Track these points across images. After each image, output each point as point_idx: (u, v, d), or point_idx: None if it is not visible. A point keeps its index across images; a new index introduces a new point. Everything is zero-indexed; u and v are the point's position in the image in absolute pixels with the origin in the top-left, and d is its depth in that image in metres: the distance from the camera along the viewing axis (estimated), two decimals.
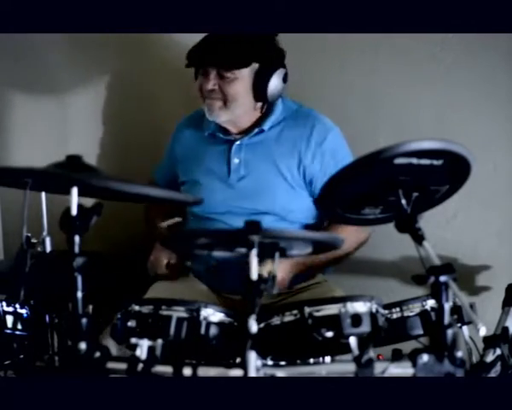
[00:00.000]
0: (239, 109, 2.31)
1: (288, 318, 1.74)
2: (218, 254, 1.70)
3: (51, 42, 2.83)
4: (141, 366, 1.60)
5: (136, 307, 1.75)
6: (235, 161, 2.36)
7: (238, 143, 2.36)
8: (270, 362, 1.75)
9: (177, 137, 2.52)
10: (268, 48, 2.30)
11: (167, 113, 2.81)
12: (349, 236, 2.16)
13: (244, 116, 2.35)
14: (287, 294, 2.32)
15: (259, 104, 2.35)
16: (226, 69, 2.25)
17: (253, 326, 1.51)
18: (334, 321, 1.70)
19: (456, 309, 1.85)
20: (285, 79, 2.32)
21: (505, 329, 2.14)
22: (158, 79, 2.83)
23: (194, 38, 2.57)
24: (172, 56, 2.78)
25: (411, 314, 1.88)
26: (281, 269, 2.16)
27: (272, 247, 1.61)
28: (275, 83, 2.29)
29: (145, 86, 2.85)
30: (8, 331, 1.96)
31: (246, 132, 2.36)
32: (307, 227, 2.38)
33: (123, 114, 2.89)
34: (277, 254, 1.61)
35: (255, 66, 2.28)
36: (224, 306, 2.26)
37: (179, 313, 1.73)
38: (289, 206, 2.33)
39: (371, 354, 1.59)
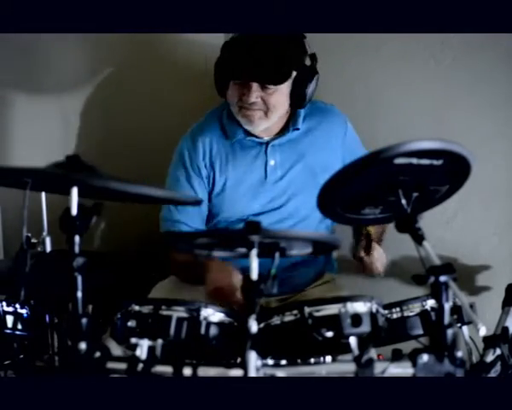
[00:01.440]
0: (276, 117, 2.30)
1: (288, 318, 1.74)
2: (218, 253, 1.71)
3: (52, 42, 2.83)
4: (141, 366, 1.60)
5: (136, 307, 1.75)
6: (271, 163, 2.35)
7: (272, 144, 2.35)
8: (270, 362, 1.75)
9: (195, 144, 2.37)
10: (304, 55, 2.29)
11: (168, 113, 2.81)
12: None
13: (278, 122, 2.34)
14: (295, 294, 2.33)
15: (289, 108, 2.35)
16: (272, 84, 2.23)
17: (253, 326, 1.52)
18: (334, 321, 1.70)
19: (456, 309, 1.85)
20: (317, 83, 2.32)
21: (505, 329, 2.14)
22: (159, 79, 2.83)
23: (196, 38, 2.58)
24: (174, 56, 2.78)
25: (411, 314, 1.88)
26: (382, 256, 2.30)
27: (272, 247, 1.61)
28: (311, 89, 2.29)
29: (146, 86, 2.85)
30: (8, 331, 1.96)
31: (277, 134, 2.36)
32: None
33: (123, 114, 2.89)
34: (277, 254, 1.61)
35: (294, 74, 2.27)
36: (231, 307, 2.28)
37: (179, 313, 1.73)
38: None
39: (372, 353, 1.59)
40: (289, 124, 2.35)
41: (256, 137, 2.34)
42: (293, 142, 2.36)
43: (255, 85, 2.22)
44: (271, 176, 2.35)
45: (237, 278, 2.03)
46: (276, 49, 2.22)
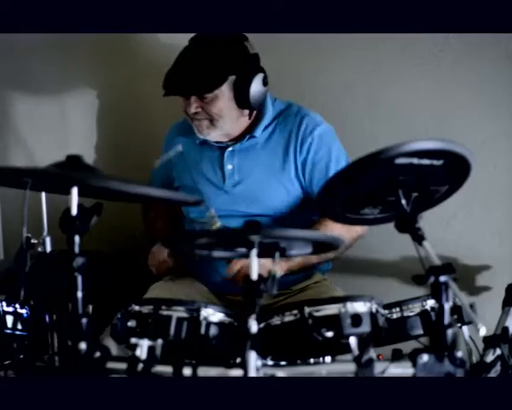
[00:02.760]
0: (227, 124, 2.30)
1: (288, 318, 1.74)
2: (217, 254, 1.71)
3: (51, 42, 2.83)
4: (141, 366, 1.60)
5: (136, 307, 1.75)
6: (229, 167, 2.36)
7: (230, 149, 2.36)
8: (270, 362, 1.75)
9: (169, 142, 2.49)
10: (240, 57, 2.26)
11: (167, 113, 2.80)
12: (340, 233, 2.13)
13: (234, 127, 2.33)
14: (286, 294, 2.33)
15: (246, 111, 2.33)
16: (204, 93, 2.24)
17: (253, 326, 1.51)
18: (334, 321, 1.70)
19: (456, 309, 1.85)
20: (265, 82, 2.30)
21: (505, 329, 2.14)
22: (157, 79, 2.83)
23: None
24: (171, 56, 2.78)
25: (411, 314, 1.88)
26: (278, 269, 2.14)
27: (272, 247, 1.61)
28: (255, 89, 2.27)
29: (144, 86, 2.85)
30: (8, 331, 1.96)
31: (237, 139, 2.36)
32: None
33: (122, 115, 2.89)
34: (277, 254, 1.61)
35: (232, 78, 2.25)
36: (224, 306, 2.28)
37: (179, 313, 1.73)
38: (283, 207, 2.33)
39: (372, 353, 1.59)
40: (248, 131, 2.35)
41: (215, 141, 2.36)
42: (254, 148, 2.36)
43: (192, 98, 2.25)
44: (229, 180, 2.36)
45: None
46: (199, 59, 2.22)
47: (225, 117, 2.28)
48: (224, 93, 2.25)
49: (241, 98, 2.26)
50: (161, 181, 2.52)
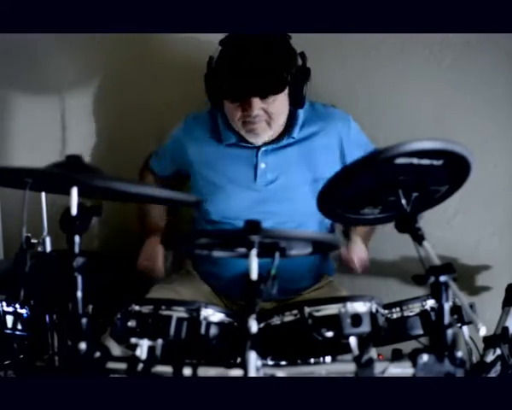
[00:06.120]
0: (279, 123, 2.28)
1: (288, 318, 1.74)
2: (217, 253, 1.71)
3: (50, 42, 2.83)
4: (141, 366, 1.60)
5: (136, 307, 1.75)
6: (262, 165, 2.32)
7: (264, 148, 2.31)
8: (270, 362, 1.75)
9: (188, 135, 2.42)
10: (294, 56, 2.25)
11: (167, 112, 2.80)
12: None
13: (279, 127, 2.31)
14: (293, 298, 2.32)
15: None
16: (274, 94, 2.20)
17: (253, 326, 1.52)
18: (334, 321, 1.71)
19: (456, 309, 1.85)
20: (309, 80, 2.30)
21: (505, 329, 2.14)
22: (157, 78, 2.83)
23: (194, 38, 2.58)
24: (171, 56, 2.78)
25: (411, 314, 1.89)
26: (360, 251, 2.30)
27: (272, 247, 1.61)
28: (306, 88, 2.27)
29: (145, 86, 2.85)
30: (8, 331, 1.97)
31: (272, 141, 2.31)
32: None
33: (123, 114, 2.89)
34: (277, 254, 1.61)
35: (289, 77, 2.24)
36: (228, 308, 2.28)
37: (179, 313, 1.73)
38: (312, 208, 2.32)
39: (372, 353, 1.59)
40: (285, 132, 2.32)
41: (249, 142, 2.31)
42: (288, 148, 2.33)
43: (256, 99, 2.19)
44: (261, 178, 2.32)
45: (159, 263, 2.37)
46: (268, 57, 2.18)
47: (280, 117, 2.27)
48: (283, 93, 2.24)
49: (296, 97, 2.26)
50: (168, 171, 2.51)
